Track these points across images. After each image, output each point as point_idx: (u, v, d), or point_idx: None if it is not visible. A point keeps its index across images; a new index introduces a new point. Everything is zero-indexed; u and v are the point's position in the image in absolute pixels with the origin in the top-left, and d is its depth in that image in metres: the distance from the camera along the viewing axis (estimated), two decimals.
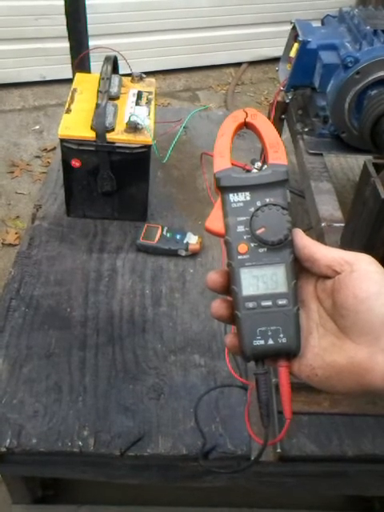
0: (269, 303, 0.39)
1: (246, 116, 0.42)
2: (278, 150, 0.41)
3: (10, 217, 2.08)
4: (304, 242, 0.40)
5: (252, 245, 0.40)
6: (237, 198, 0.40)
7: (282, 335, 0.39)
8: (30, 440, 0.69)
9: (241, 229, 0.40)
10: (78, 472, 0.78)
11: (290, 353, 0.39)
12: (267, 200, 0.40)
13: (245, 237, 0.40)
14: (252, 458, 0.70)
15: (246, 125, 0.43)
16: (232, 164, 0.41)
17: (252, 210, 0.40)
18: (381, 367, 0.36)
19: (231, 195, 0.40)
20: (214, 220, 0.41)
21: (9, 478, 0.87)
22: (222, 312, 0.41)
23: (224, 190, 0.41)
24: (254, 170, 0.41)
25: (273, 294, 0.39)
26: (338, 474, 0.76)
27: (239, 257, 0.40)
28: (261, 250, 0.40)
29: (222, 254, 0.97)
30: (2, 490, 0.89)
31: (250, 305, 0.39)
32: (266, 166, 0.41)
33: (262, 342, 0.39)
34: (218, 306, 0.41)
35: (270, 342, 0.39)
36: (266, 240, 0.39)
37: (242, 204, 0.40)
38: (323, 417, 0.74)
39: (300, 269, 0.41)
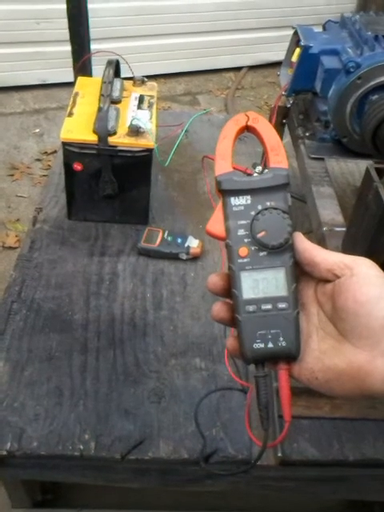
0: (269, 307, 0.40)
1: (248, 120, 0.42)
2: (279, 154, 0.41)
3: (10, 220, 2.08)
4: (304, 245, 0.40)
5: (252, 248, 0.40)
6: (238, 202, 0.40)
7: (281, 339, 0.39)
8: (31, 443, 0.69)
9: (241, 232, 0.40)
10: (79, 476, 0.77)
11: (290, 356, 0.40)
12: (268, 204, 0.40)
13: (245, 240, 0.40)
14: (252, 460, 0.70)
15: (247, 128, 0.43)
16: (233, 168, 0.42)
17: (253, 213, 0.40)
18: (380, 371, 0.36)
19: (232, 198, 0.40)
20: (215, 223, 0.41)
21: (9, 482, 0.86)
22: (222, 315, 0.41)
23: (225, 193, 0.41)
24: (255, 174, 0.41)
25: (273, 297, 0.40)
26: (339, 478, 0.76)
27: (240, 260, 0.40)
28: (261, 254, 0.40)
29: (222, 258, 0.97)
30: (2, 494, 0.89)
31: (251, 308, 0.40)
32: (266, 170, 0.41)
33: (261, 346, 0.40)
34: (219, 308, 0.42)
35: (270, 345, 0.39)
36: (267, 244, 0.39)
37: (242, 207, 0.40)
38: (324, 421, 0.74)
39: (300, 272, 0.41)
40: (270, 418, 0.41)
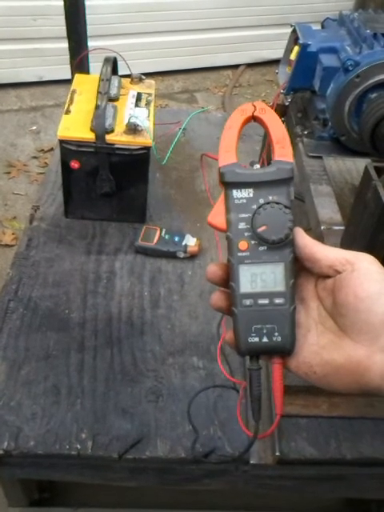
0: (265, 301, 0.40)
1: (255, 110, 0.42)
2: (285, 147, 0.40)
3: (7, 217, 2.07)
4: (305, 241, 0.40)
5: (252, 242, 0.40)
6: (240, 195, 0.40)
7: (276, 334, 0.39)
8: (28, 442, 0.69)
9: (242, 226, 0.40)
10: (76, 475, 0.77)
11: (284, 351, 0.40)
12: (270, 198, 0.39)
13: (246, 234, 0.40)
14: (251, 461, 0.70)
15: (253, 119, 0.42)
16: None
17: (254, 207, 0.39)
18: (379, 366, 0.36)
19: (235, 191, 0.40)
20: (217, 215, 0.41)
21: (5, 481, 0.86)
22: (220, 304, 0.42)
23: (228, 185, 0.40)
24: (257, 166, 0.41)
25: (270, 292, 0.40)
26: (337, 477, 0.76)
27: (239, 254, 0.40)
28: (261, 248, 0.40)
29: (219, 256, 0.97)
30: None
31: (247, 302, 0.40)
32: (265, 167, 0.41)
33: (256, 340, 0.40)
34: (218, 297, 0.42)
35: (265, 339, 0.40)
36: (267, 238, 0.39)
37: (244, 200, 0.40)
38: (322, 420, 0.74)
39: (301, 267, 0.41)
40: (261, 410, 0.42)
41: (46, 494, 0.96)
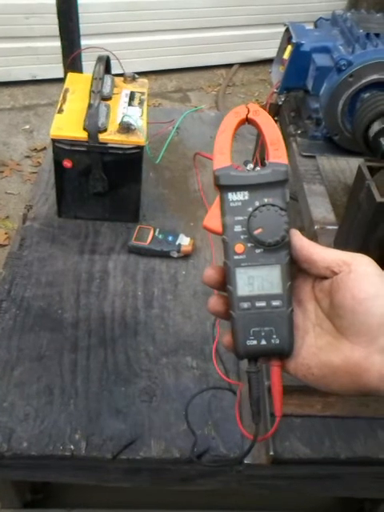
0: (263, 304, 0.40)
1: (248, 112, 0.42)
2: (279, 149, 0.40)
3: (0, 217, 2.06)
4: (302, 243, 0.40)
5: (249, 245, 0.40)
6: (235, 197, 0.40)
7: (275, 336, 0.39)
8: (21, 444, 0.69)
9: (238, 228, 0.40)
10: (70, 476, 0.77)
11: (283, 354, 0.40)
12: (265, 200, 0.39)
13: (242, 237, 0.40)
14: (245, 460, 0.70)
15: (247, 121, 0.42)
16: None
17: (250, 209, 0.39)
18: (377, 368, 0.36)
19: (230, 194, 0.40)
20: (212, 218, 0.41)
21: None
22: (218, 308, 0.42)
23: (223, 188, 0.40)
24: (248, 169, 0.41)
25: (267, 295, 0.40)
26: (330, 476, 0.76)
27: (235, 257, 0.40)
28: (257, 251, 0.40)
29: (213, 256, 0.97)
30: None
31: (245, 305, 0.40)
32: (258, 168, 0.41)
33: (254, 342, 0.40)
34: (215, 302, 0.42)
35: (263, 342, 0.40)
36: (263, 241, 0.39)
37: (240, 203, 0.40)
38: (316, 419, 0.74)
39: (298, 268, 0.41)
40: (262, 413, 0.42)
41: (40, 495, 0.96)
